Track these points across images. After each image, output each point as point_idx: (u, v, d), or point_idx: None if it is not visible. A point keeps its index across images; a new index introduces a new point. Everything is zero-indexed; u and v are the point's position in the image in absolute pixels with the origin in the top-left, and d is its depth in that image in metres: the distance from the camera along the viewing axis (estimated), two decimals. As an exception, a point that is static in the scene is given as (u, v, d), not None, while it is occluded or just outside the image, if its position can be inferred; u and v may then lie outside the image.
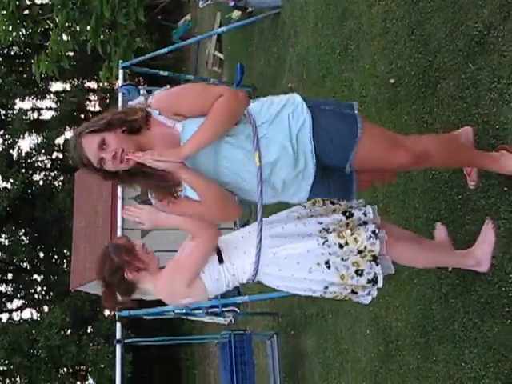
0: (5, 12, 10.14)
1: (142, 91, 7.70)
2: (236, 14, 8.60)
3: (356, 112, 2.31)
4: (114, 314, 7.25)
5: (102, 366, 15.16)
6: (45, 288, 20.57)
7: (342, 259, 2.34)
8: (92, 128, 2.21)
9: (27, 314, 20.30)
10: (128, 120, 2.22)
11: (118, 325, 6.14)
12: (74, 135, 2.29)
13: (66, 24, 10.22)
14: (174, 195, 2.32)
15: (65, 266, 19.87)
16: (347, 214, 2.40)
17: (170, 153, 2.16)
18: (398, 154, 2.29)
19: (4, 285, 20.77)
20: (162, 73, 8.15)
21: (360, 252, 2.32)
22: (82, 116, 22.25)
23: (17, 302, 20.86)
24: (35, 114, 21.39)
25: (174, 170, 2.19)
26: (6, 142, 19.41)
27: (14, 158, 19.41)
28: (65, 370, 17.00)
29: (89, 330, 17.31)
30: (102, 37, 10.25)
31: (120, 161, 2.19)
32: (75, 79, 21.45)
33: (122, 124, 2.22)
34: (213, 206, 2.27)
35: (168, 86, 2.55)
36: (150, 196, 2.42)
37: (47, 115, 21.92)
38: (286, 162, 2.24)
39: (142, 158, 2.16)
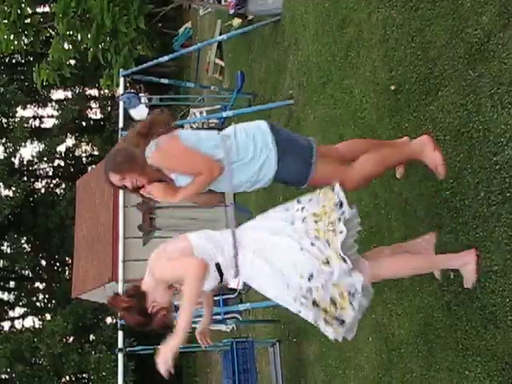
0: (6, 21, 10.17)
1: (142, 99, 7.71)
2: (236, 21, 8.63)
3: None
4: (116, 322, 7.21)
5: (104, 374, 15.13)
6: (47, 296, 20.57)
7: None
8: None
9: (29, 321, 20.29)
10: None
11: (120, 333, 6.11)
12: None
13: (67, 32, 10.24)
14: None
15: (67, 273, 19.88)
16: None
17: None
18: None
19: (6, 293, 20.76)
20: (162, 80, 8.15)
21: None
22: (84, 123, 22.29)
23: (19, 310, 20.88)
24: (37, 122, 21.47)
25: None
26: (8, 150, 19.47)
27: (16, 166, 19.47)
28: (67, 378, 16.96)
29: (91, 338, 17.30)
30: (102, 45, 10.26)
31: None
32: (76, 87, 21.51)
33: None
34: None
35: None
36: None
37: (49, 123, 21.99)
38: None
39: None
